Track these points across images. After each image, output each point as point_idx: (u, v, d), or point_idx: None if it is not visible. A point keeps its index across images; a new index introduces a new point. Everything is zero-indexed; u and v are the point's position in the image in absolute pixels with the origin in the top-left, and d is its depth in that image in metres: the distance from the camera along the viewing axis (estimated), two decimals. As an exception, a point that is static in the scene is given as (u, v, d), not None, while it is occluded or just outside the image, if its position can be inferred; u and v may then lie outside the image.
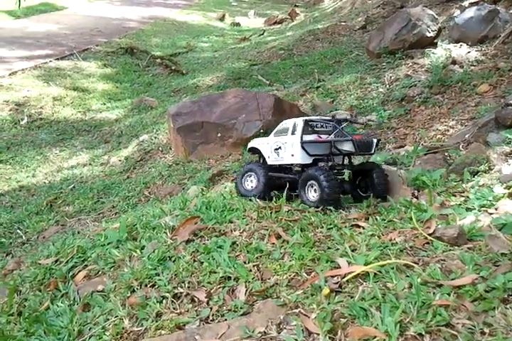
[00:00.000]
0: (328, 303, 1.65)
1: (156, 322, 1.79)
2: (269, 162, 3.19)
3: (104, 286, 2.24)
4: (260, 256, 2.01)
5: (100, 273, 2.41)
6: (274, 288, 1.80)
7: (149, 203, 5.34)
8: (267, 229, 2.22)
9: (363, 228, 2.23)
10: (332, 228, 2.22)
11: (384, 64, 8.74)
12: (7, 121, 9.63)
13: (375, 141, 3.01)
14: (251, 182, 3.16)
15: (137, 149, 7.74)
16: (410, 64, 8.40)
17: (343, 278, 1.77)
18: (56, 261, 2.76)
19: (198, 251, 2.14)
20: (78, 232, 4.90)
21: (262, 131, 6.09)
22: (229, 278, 1.92)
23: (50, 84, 11.44)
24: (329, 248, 2.01)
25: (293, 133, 3.01)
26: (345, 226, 2.23)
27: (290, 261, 1.94)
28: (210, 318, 1.74)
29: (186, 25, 20.84)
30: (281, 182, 3.11)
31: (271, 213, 2.41)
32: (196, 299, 1.85)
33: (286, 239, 2.11)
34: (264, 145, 3.28)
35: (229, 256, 2.04)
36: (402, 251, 1.96)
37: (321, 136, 2.99)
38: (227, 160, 6.10)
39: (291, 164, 3.06)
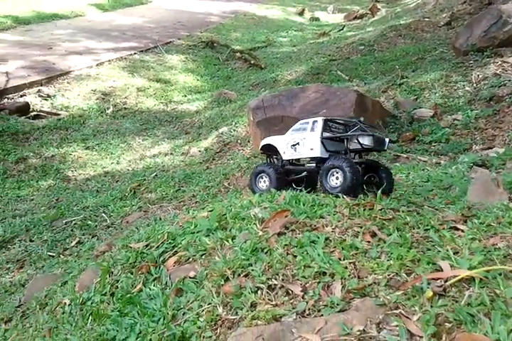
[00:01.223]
0: (431, 306, 1.60)
1: (252, 312, 1.81)
2: (285, 157, 3.48)
3: (195, 273, 2.28)
4: (356, 254, 1.99)
5: (191, 259, 2.46)
6: (372, 287, 1.77)
7: (229, 194, 5.42)
8: (361, 227, 2.19)
9: (462, 231, 2.15)
10: (429, 229, 2.15)
11: (471, 62, 8.40)
12: (94, 110, 10.07)
13: (387, 139, 3.34)
14: (264, 183, 3.48)
15: (216, 141, 7.87)
16: (499, 62, 8.02)
17: (446, 281, 1.71)
18: (147, 246, 2.85)
19: (291, 245, 2.14)
20: (160, 218, 5.06)
21: (343, 127, 6.03)
22: (324, 273, 1.90)
23: (134, 75, 11.85)
24: (428, 249, 1.96)
25: (312, 129, 3.29)
26: (443, 228, 2.16)
27: (388, 260, 1.90)
28: (306, 312, 1.74)
29: (266, 20, 20.93)
30: (290, 178, 3.47)
31: (364, 210, 2.37)
32: (291, 292, 1.86)
33: (383, 238, 2.07)
34: (279, 141, 3.53)
35: (323, 251, 2.03)
36: (506, 257, 1.87)
37: (337, 133, 3.33)
38: (306, 155, 6.08)
39: (307, 159, 3.39)
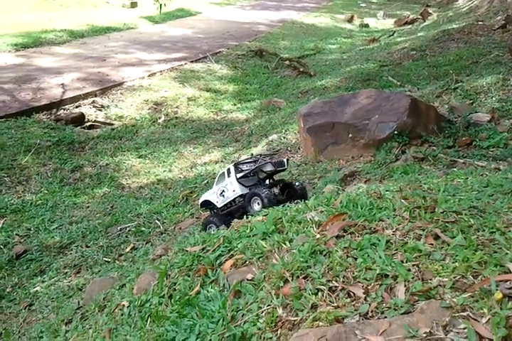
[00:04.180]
0: (501, 309, 1.54)
1: (313, 313, 1.79)
2: (219, 205, 4.23)
3: (253, 275, 2.29)
4: (419, 256, 1.93)
5: (248, 262, 2.46)
6: (437, 290, 1.72)
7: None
8: (423, 230, 2.13)
9: (529, 233, 2.06)
10: (495, 232, 2.07)
11: (529, 64, 8.13)
12: (146, 119, 10.30)
13: (285, 160, 4.12)
14: (213, 231, 3.88)
15: (266, 148, 7.88)
16: (560, 64, 7.74)
17: (515, 283, 1.65)
18: (203, 250, 2.87)
19: (351, 247, 2.11)
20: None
21: (396, 132, 5.90)
22: (386, 275, 1.86)
23: (185, 85, 12.06)
24: (495, 252, 1.88)
25: (228, 176, 4.06)
26: (509, 231, 2.08)
27: (453, 262, 1.85)
28: (369, 314, 1.70)
29: (314, 28, 20.95)
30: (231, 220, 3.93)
31: (425, 213, 2.32)
32: (353, 294, 1.83)
33: (446, 241, 2.01)
34: (211, 195, 4.33)
35: (385, 253, 1.99)
36: None
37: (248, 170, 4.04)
38: (358, 162, 5.99)
39: (235, 198, 4.08)
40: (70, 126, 9.42)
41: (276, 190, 4.19)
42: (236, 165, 4.05)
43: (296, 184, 4.11)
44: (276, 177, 4.33)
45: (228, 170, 4.08)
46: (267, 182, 4.14)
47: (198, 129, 9.97)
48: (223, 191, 4.13)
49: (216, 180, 4.27)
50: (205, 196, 4.44)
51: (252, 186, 3.98)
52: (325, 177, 5.84)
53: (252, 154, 4.76)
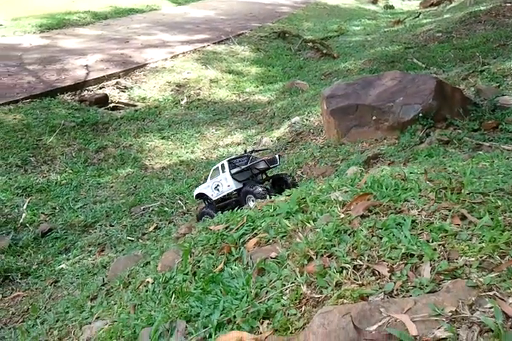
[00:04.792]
0: (528, 289, 1.54)
1: (337, 291, 1.80)
2: (214, 198, 4.48)
3: (277, 254, 2.30)
4: (445, 236, 1.92)
5: (271, 241, 2.48)
6: (463, 269, 1.71)
7: (302, 182, 5.40)
8: (449, 210, 2.12)
9: (558, 216, 2.03)
10: (522, 213, 2.05)
11: (558, 47, 7.91)
12: (169, 101, 10.33)
13: (277, 156, 4.42)
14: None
15: (289, 130, 7.86)
16: None
17: (543, 264, 1.63)
18: (226, 228, 2.90)
19: (375, 227, 2.11)
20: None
21: (420, 114, 5.81)
22: (411, 255, 1.86)
23: (207, 67, 12.04)
24: (523, 233, 1.87)
25: (223, 171, 4.29)
26: (538, 213, 2.05)
27: (480, 243, 1.83)
28: (394, 293, 1.71)
29: (338, 9, 20.67)
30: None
31: (451, 194, 2.29)
32: (378, 273, 1.83)
33: (473, 221, 2.00)
34: (206, 188, 4.55)
35: (410, 233, 1.98)
36: None
37: (241, 166, 4.30)
38: (381, 144, 5.93)
39: (229, 193, 4.35)
40: (94, 107, 9.50)
41: (268, 185, 4.48)
42: (230, 161, 4.29)
43: (287, 177, 4.40)
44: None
45: (222, 165, 4.30)
46: (260, 177, 4.45)
47: (220, 111, 9.98)
48: (218, 185, 4.36)
49: (210, 174, 4.50)
50: (200, 189, 4.66)
51: (245, 180, 4.24)
52: (348, 159, 5.81)
53: (245, 150, 4.98)
